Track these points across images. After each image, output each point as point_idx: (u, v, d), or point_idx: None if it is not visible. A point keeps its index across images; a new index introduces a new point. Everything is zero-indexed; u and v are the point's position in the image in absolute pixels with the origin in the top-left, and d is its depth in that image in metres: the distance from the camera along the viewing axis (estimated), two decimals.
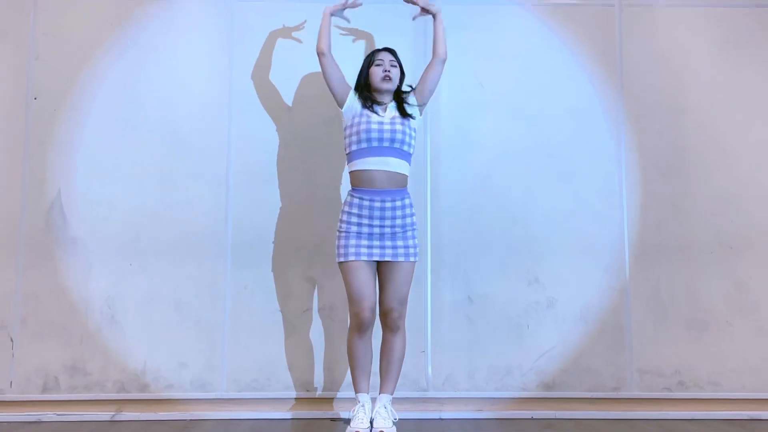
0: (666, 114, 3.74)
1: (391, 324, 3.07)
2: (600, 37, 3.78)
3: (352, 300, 3.04)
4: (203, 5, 3.70)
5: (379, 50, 3.22)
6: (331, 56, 3.16)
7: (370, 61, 3.20)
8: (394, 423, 3.01)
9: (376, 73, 3.13)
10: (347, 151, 3.13)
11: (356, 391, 3.10)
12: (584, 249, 3.65)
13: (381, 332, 3.16)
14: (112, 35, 3.66)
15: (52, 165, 3.56)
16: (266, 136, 3.65)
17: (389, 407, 3.05)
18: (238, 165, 3.61)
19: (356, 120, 3.09)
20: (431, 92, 3.23)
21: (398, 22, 3.68)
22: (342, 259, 3.05)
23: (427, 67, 3.24)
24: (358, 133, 3.07)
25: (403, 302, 3.09)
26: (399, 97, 3.18)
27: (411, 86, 3.24)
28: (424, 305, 3.56)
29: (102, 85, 3.62)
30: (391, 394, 3.08)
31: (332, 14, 3.25)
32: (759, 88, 3.78)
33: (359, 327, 3.04)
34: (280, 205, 3.60)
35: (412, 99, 3.21)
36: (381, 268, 3.09)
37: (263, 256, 3.58)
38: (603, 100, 3.75)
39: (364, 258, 3.03)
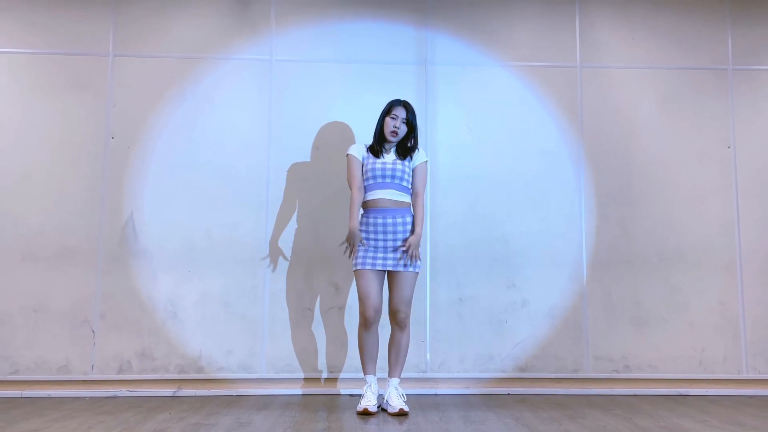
0: (617, 154, 4.02)
1: (399, 322, 3.28)
2: (564, 92, 4.05)
3: (361, 300, 3.29)
4: (248, 64, 3.98)
5: (398, 104, 3.36)
6: (361, 188, 3.35)
7: (387, 111, 3.37)
8: (404, 401, 3.28)
9: (388, 125, 3.34)
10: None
11: (364, 374, 3.35)
12: (552, 261, 3.93)
13: (389, 327, 3.37)
14: (175, 87, 3.93)
15: (126, 191, 3.85)
16: (298, 169, 3.92)
17: (399, 389, 3.30)
18: (276, 193, 3.89)
19: (366, 161, 3.37)
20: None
21: (402, 78, 3.99)
22: (355, 268, 3.31)
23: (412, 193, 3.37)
24: (367, 171, 3.35)
25: (408, 305, 3.28)
26: (402, 146, 3.37)
27: (416, 149, 3.37)
28: (424, 304, 3.88)
29: (166, 128, 3.90)
30: (399, 377, 3.34)
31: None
32: (691, 134, 4.06)
33: (365, 323, 3.29)
34: (309, 224, 3.88)
35: (416, 156, 3.36)
36: (389, 276, 3.32)
37: (296, 265, 3.85)
38: (567, 142, 4.02)
39: (369, 267, 3.27)
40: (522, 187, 4.00)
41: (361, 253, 3.30)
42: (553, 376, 3.88)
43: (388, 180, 3.32)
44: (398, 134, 3.36)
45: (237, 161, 3.92)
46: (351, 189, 3.36)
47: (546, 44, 4.11)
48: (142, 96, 3.94)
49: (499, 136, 4.03)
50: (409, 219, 3.35)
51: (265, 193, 3.92)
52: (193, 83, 3.98)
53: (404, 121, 3.36)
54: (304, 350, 3.83)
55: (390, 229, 3.30)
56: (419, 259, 3.33)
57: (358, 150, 3.43)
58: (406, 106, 3.39)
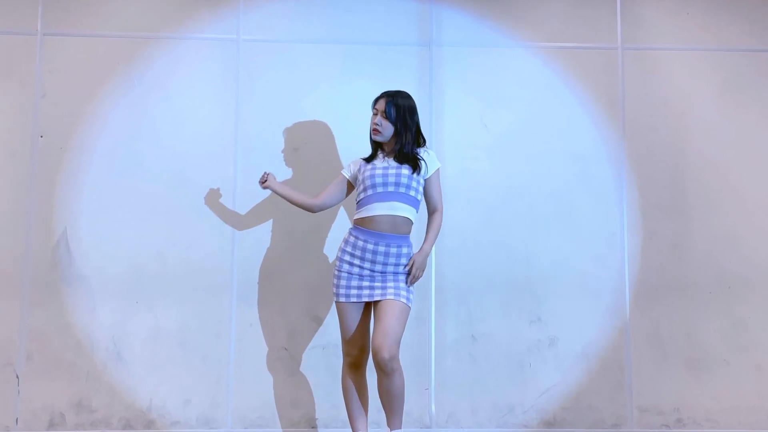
0: (667, 156, 3.81)
1: (382, 365, 2.96)
2: (602, 80, 3.83)
3: (342, 339, 3.12)
4: (209, 44, 3.75)
5: (381, 96, 3.17)
6: (322, 199, 3.21)
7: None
8: None
9: (371, 124, 3.15)
10: (357, 200, 3.14)
11: (353, 430, 3.11)
12: (585, 288, 3.70)
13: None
14: (118, 73, 3.69)
15: (58, 203, 3.59)
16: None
17: None
18: (244, 204, 3.64)
19: (362, 170, 3.14)
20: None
21: (400, 63, 3.75)
22: (335, 299, 3.12)
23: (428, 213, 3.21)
24: (364, 181, 3.10)
25: (393, 342, 2.97)
26: (405, 151, 3.11)
27: (423, 156, 3.11)
28: (428, 343, 3.61)
29: (108, 123, 3.66)
30: (400, 428, 3.04)
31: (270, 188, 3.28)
32: (759, 131, 3.85)
33: (349, 365, 3.12)
34: (285, 244, 3.65)
35: (424, 165, 3.12)
36: (374, 309, 3.09)
37: (268, 294, 3.62)
38: (605, 141, 3.81)
39: (354, 300, 3.06)
40: (549, 198, 3.78)
41: (344, 282, 3.10)
42: (589, 431, 3.63)
43: (391, 188, 3.06)
44: (380, 131, 3.13)
45: (196, 165, 3.70)
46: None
47: (579, 21, 3.90)
48: (77, 84, 3.70)
49: (519, 133, 3.81)
50: (406, 250, 3.12)
51: (231, 205, 3.68)
52: (141, 68, 3.74)
53: (385, 114, 3.13)
54: (280, 399, 3.60)
55: (380, 259, 3.06)
56: (412, 283, 3.11)
57: (351, 166, 3.26)
58: (389, 95, 3.16)
